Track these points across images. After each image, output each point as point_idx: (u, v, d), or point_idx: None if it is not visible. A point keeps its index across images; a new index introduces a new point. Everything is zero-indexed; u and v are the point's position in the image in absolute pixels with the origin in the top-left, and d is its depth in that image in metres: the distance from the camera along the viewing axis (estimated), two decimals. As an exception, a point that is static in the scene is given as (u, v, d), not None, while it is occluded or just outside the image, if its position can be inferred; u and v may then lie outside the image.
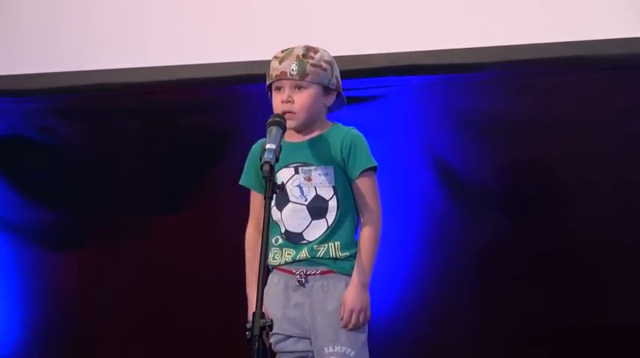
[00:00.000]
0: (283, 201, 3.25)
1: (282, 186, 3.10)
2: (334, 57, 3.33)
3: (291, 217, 3.24)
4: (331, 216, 3.22)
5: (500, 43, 4.17)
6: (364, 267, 3.18)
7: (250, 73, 4.32)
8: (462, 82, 4.28)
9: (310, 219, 3.23)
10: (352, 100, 3.37)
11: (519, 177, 4.27)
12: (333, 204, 3.23)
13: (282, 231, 3.26)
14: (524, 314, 4.23)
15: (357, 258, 3.21)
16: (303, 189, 3.23)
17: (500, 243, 4.26)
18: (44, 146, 4.75)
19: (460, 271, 4.26)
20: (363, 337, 3.23)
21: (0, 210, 4.80)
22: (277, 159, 3.03)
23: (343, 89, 3.34)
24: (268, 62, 3.29)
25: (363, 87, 4.28)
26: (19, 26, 4.69)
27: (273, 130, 3.10)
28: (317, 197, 3.23)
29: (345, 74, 3.40)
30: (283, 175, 3.23)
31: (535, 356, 4.26)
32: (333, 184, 3.22)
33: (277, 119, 3.15)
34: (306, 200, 3.23)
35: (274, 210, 3.25)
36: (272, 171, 3.00)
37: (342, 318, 3.17)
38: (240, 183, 3.36)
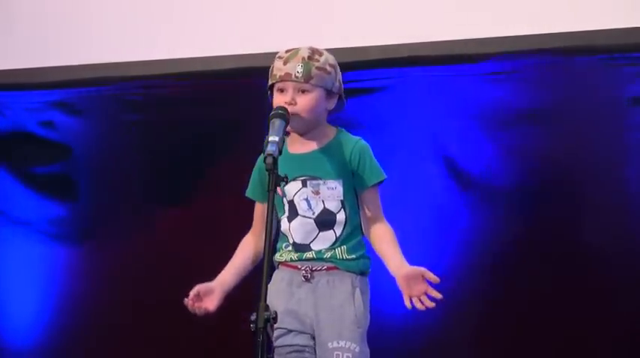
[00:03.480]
0: (293, 214, 3.23)
1: (286, 179, 3.08)
2: (333, 49, 3.29)
3: (299, 230, 3.22)
4: (339, 228, 3.20)
5: (500, 34, 4.18)
6: (402, 255, 3.16)
7: (254, 66, 4.31)
8: (462, 74, 4.28)
9: (318, 231, 3.21)
10: (352, 93, 3.35)
11: (521, 171, 4.28)
12: (341, 217, 3.20)
13: (291, 242, 3.24)
14: (530, 314, 4.22)
15: (389, 249, 3.17)
16: (311, 202, 3.20)
17: (507, 239, 4.26)
18: (47, 140, 4.75)
19: (466, 268, 4.26)
20: (364, 332, 3.21)
21: (4, 204, 4.81)
22: (280, 152, 3.01)
23: (343, 81, 3.31)
24: (269, 55, 3.26)
25: (363, 79, 4.28)
26: (22, 20, 4.69)
27: (276, 122, 3.07)
28: (325, 210, 3.20)
29: (344, 66, 3.36)
30: (290, 188, 3.19)
31: (541, 356, 4.26)
32: (342, 198, 3.20)
33: (280, 111, 3.11)
34: (313, 213, 3.20)
35: (284, 221, 3.24)
36: (275, 164, 2.98)
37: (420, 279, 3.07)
38: (246, 194, 3.35)
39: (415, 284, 3.08)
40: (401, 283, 3.11)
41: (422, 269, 3.09)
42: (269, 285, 3.15)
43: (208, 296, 3.24)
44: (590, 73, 4.17)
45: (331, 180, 3.20)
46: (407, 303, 3.10)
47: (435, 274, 3.08)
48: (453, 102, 4.31)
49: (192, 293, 3.22)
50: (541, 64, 4.20)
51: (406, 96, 4.38)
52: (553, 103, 4.22)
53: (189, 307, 3.23)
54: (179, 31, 4.55)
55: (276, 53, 3.24)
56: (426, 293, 3.07)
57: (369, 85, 4.34)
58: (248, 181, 3.34)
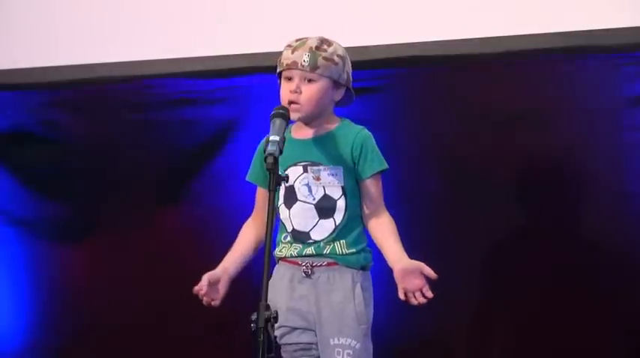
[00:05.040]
0: (292, 199, 3.22)
1: (287, 179, 3.09)
2: (335, 48, 3.31)
3: (299, 216, 3.22)
4: (339, 215, 3.20)
5: (502, 34, 4.18)
6: (402, 246, 3.16)
7: (253, 66, 4.33)
8: (464, 73, 4.28)
9: (318, 218, 3.21)
10: (354, 92, 3.35)
11: (522, 170, 4.27)
12: (341, 204, 3.20)
13: (290, 229, 3.24)
14: (528, 314, 4.22)
15: (389, 240, 3.17)
16: (312, 188, 3.20)
17: (506, 239, 4.26)
18: (48, 140, 4.75)
19: (465, 267, 4.25)
20: (367, 329, 3.21)
21: (5, 203, 4.81)
22: (281, 152, 3.01)
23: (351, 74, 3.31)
24: (271, 54, 3.27)
25: (363, 78, 4.27)
26: (22, 20, 4.69)
27: (277, 122, 3.08)
28: (325, 196, 3.20)
29: (347, 65, 3.37)
30: (291, 173, 3.19)
31: (539, 356, 4.25)
32: (342, 184, 3.20)
33: (281, 111, 3.12)
34: (314, 199, 3.20)
35: (283, 208, 3.24)
36: (276, 164, 2.98)
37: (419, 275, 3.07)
38: (246, 178, 3.35)
39: (412, 279, 3.08)
40: (397, 276, 3.11)
41: (420, 264, 3.09)
42: (270, 280, 3.17)
43: (216, 285, 3.23)
44: (590, 72, 4.17)
45: (332, 167, 3.20)
46: (401, 295, 3.09)
47: (434, 272, 3.07)
48: (453, 102, 4.30)
49: (204, 283, 3.21)
50: (542, 64, 4.20)
51: (407, 96, 4.38)
52: (553, 103, 4.22)
53: (201, 296, 3.21)
54: (179, 31, 4.55)
55: (277, 53, 3.26)
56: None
57: (370, 84, 4.33)
58: (245, 180, 3.35)
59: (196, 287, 3.21)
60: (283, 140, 3.04)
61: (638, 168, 4.15)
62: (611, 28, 4.09)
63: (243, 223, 3.36)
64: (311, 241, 3.22)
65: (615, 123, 4.17)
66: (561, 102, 4.21)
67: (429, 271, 3.07)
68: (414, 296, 3.08)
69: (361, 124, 3.32)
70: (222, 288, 3.25)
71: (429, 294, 3.08)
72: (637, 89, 4.15)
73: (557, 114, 4.21)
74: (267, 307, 2.88)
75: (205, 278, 3.22)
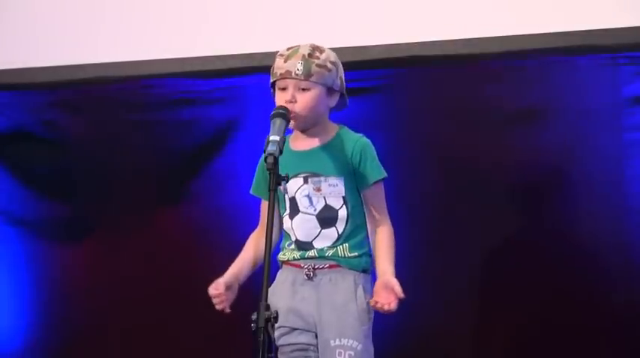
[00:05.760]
0: (294, 211, 3.24)
1: (287, 178, 3.09)
2: (335, 49, 3.29)
3: (301, 227, 3.23)
4: (341, 225, 3.21)
5: (502, 34, 4.18)
6: (393, 261, 3.19)
7: (252, 66, 4.33)
8: (462, 73, 4.28)
9: (320, 229, 3.22)
10: (352, 92, 3.35)
11: (521, 170, 4.27)
12: (343, 213, 3.21)
13: (294, 239, 3.25)
14: (528, 314, 4.22)
15: (382, 253, 3.20)
16: (312, 199, 3.21)
17: (506, 239, 4.26)
18: (48, 139, 4.75)
19: (461, 269, 4.25)
20: (368, 330, 3.22)
21: (5, 203, 4.81)
22: (281, 151, 3.02)
23: (344, 80, 3.32)
24: (270, 54, 3.27)
25: (364, 78, 4.28)
26: (21, 20, 4.69)
27: (277, 122, 3.08)
28: (326, 207, 3.21)
29: (346, 66, 3.35)
30: (292, 185, 3.20)
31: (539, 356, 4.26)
32: (343, 195, 3.21)
33: (281, 111, 3.12)
34: (315, 210, 3.22)
35: (286, 219, 3.25)
36: (276, 164, 2.99)
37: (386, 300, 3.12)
38: (250, 192, 3.36)
39: (386, 294, 3.12)
40: (377, 287, 3.16)
41: (394, 283, 3.12)
42: (273, 284, 3.19)
43: (229, 291, 3.23)
44: (590, 72, 4.18)
45: (332, 177, 3.21)
46: (371, 303, 3.14)
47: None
48: (452, 102, 4.30)
49: (222, 288, 3.19)
50: (541, 64, 4.20)
51: (406, 96, 4.38)
52: (553, 103, 4.22)
53: (218, 303, 3.20)
54: (177, 31, 4.55)
55: (276, 53, 3.25)
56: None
57: (369, 84, 4.34)
58: (248, 181, 3.36)
59: (214, 291, 3.20)
60: (283, 140, 3.05)
61: (638, 168, 4.16)
62: (611, 28, 4.09)
63: (243, 223, 3.38)
64: (313, 250, 3.23)
65: (614, 123, 4.18)
66: (561, 102, 4.21)
67: (399, 291, 3.11)
68: (382, 307, 3.12)
69: (360, 124, 3.33)
70: (233, 294, 3.25)
71: (392, 308, 3.11)
72: (636, 89, 4.16)
73: (557, 114, 4.21)
74: (267, 307, 2.90)
75: (222, 283, 3.21)
